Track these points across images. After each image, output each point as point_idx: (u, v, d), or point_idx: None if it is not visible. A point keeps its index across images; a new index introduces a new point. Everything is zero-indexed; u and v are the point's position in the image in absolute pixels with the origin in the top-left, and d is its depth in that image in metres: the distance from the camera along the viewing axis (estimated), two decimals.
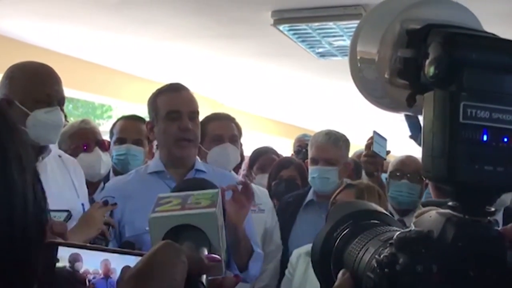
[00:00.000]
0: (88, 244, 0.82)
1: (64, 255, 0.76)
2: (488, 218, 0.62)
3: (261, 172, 3.76)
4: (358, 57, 0.72)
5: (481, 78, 0.59)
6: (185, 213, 0.84)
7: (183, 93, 2.30)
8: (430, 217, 0.64)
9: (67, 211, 1.82)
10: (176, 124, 2.23)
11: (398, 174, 3.05)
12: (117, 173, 3.10)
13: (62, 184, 2.26)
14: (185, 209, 0.85)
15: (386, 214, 0.81)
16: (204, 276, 0.70)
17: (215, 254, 0.78)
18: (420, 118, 0.64)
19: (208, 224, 0.82)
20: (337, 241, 0.77)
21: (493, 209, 0.63)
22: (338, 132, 3.09)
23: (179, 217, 0.83)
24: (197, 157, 2.38)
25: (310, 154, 3.07)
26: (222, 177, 2.33)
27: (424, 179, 2.99)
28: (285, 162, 3.58)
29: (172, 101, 2.27)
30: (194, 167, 2.29)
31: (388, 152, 3.32)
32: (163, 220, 0.83)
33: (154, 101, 2.30)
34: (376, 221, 0.78)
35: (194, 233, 0.81)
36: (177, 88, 2.32)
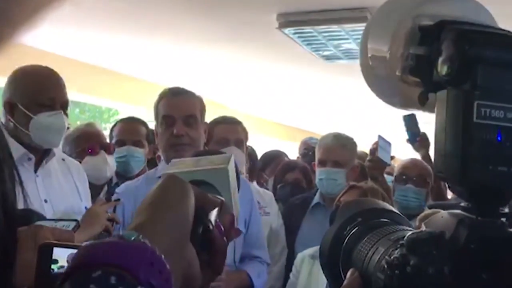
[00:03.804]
0: (82, 244, 0.81)
1: (62, 255, 0.76)
2: (501, 219, 0.61)
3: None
4: (369, 54, 0.71)
5: (496, 76, 0.58)
6: (197, 169, 0.83)
7: (179, 98, 2.30)
8: (442, 217, 0.63)
9: (76, 220, 1.81)
10: (171, 130, 2.23)
11: (403, 178, 3.03)
12: (119, 175, 3.11)
13: (66, 187, 2.26)
14: (197, 166, 0.84)
15: (396, 213, 0.79)
16: (214, 215, 0.69)
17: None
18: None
19: (220, 180, 0.81)
20: (346, 240, 0.76)
21: (506, 210, 0.61)
22: (346, 135, 3.10)
23: (191, 173, 0.82)
24: None
25: (317, 156, 3.07)
26: None
27: (429, 182, 2.98)
28: (290, 165, 3.56)
29: (167, 106, 2.27)
30: None
31: (392, 158, 3.32)
32: None
33: (156, 106, 2.33)
34: (385, 220, 0.76)
35: (206, 189, 0.79)
36: (174, 93, 2.32)
